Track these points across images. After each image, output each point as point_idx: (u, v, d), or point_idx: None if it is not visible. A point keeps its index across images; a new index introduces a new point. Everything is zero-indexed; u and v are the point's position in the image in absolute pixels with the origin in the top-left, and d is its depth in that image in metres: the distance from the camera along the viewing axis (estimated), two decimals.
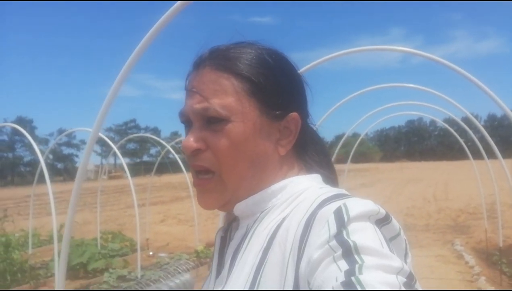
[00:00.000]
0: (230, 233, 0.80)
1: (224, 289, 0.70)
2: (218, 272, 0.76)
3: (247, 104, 0.72)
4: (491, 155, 6.19)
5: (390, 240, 0.60)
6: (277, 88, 0.74)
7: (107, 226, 11.98)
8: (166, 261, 7.57)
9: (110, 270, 7.09)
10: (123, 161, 7.58)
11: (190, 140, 0.73)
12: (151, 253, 8.74)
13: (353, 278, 0.50)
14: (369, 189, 23.56)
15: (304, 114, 0.79)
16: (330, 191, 0.70)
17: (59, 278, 2.53)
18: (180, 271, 6.71)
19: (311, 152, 0.82)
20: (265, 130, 0.74)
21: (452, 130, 8.14)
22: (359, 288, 0.48)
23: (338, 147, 8.87)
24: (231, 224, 0.81)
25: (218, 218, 5.04)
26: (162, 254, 8.49)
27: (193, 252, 7.95)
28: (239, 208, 0.75)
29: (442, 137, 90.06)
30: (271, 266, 0.64)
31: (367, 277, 0.49)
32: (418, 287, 0.52)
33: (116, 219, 14.52)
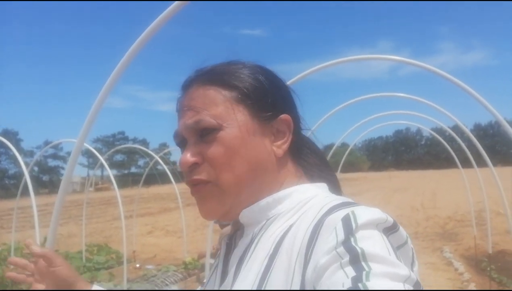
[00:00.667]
0: (235, 240, 0.79)
1: None
2: (223, 279, 0.76)
3: (237, 111, 0.73)
4: (478, 163, 6.24)
5: (398, 248, 0.60)
6: (265, 93, 0.76)
7: (93, 239, 11.76)
8: (154, 273, 7.42)
9: (96, 283, 6.93)
10: (110, 172, 7.47)
11: (186, 156, 0.74)
12: (137, 265, 8.57)
13: (360, 284, 0.50)
14: (358, 198, 23.49)
15: (296, 117, 0.80)
16: (337, 199, 0.70)
17: None
18: (167, 283, 6.58)
19: (308, 155, 0.83)
20: (258, 133, 0.74)
21: (440, 138, 8.22)
22: None
23: (328, 157, 8.92)
24: (235, 231, 0.80)
25: (207, 229, 4.97)
26: (149, 266, 8.33)
27: (181, 264, 7.82)
28: (245, 215, 0.74)
29: (429, 146, 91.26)
30: (277, 273, 0.64)
31: (374, 284, 0.49)
32: None
33: (102, 231, 14.27)
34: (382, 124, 8.66)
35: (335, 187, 0.83)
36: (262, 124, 0.75)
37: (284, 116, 0.76)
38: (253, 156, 0.73)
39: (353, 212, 0.60)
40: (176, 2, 1.89)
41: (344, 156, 9.65)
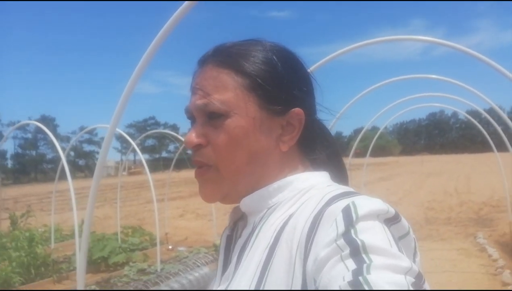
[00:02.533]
0: (237, 231, 0.80)
1: (230, 286, 0.69)
2: (224, 269, 0.76)
3: (247, 100, 0.72)
4: None
5: (399, 239, 0.59)
6: (279, 84, 0.73)
7: (127, 221, 12.16)
8: (185, 255, 7.63)
9: (130, 264, 7.20)
10: (142, 157, 7.66)
11: (192, 136, 0.74)
12: (170, 247, 8.84)
13: (360, 277, 0.49)
14: (388, 183, 23.29)
15: (310, 110, 0.77)
16: (338, 188, 0.69)
17: (79, 271, 2.57)
18: (199, 264, 6.76)
19: (319, 149, 0.80)
20: (265, 125, 0.73)
21: (475, 122, 7.94)
22: (366, 288, 0.47)
23: (357, 140, 8.78)
24: (237, 223, 0.81)
25: None
26: (181, 248, 8.57)
27: (211, 246, 8.01)
28: (245, 203, 0.74)
29: (463, 129, 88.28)
30: (278, 264, 0.63)
31: (375, 277, 0.48)
32: (426, 287, 0.52)
33: (136, 214, 14.73)
34: (414, 106, 8.42)
35: (342, 177, 0.82)
36: (271, 116, 0.73)
37: (296, 110, 0.74)
38: (255, 148, 0.72)
39: (353, 203, 0.59)
40: (186, 2, 1.92)
41: (374, 140, 9.49)
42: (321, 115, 0.83)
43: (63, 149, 6.97)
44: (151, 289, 5.71)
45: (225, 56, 0.75)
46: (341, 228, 0.57)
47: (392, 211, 0.59)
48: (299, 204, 0.70)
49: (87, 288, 5.85)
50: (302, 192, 0.72)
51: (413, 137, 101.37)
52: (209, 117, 0.73)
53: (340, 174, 0.82)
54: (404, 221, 0.61)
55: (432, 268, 6.56)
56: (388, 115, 8.66)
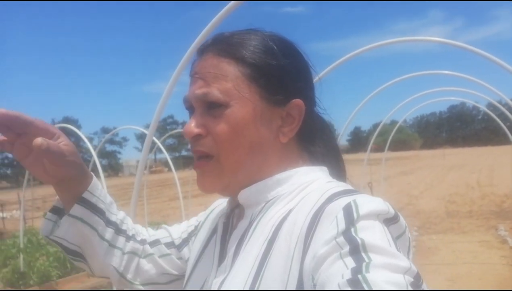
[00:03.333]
0: (233, 220, 0.79)
1: (228, 278, 0.69)
2: (221, 260, 0.75)
3: (247, 90, 0.71)
4: None
5: (397, 238, 0.59)
6: (279, 74, 0.72)
7: (152, 218, 12.50)
8: None
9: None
10: (167, 155, 7.94)
11: (191, 126, 0.73)
12: None
13: (359, 276, 0.48)
14: (409, 177, 23.13)
15: (310, 102, 0.76)
16: (338, 185, 0.69)
17: None
18: None
19: (318, 142, 0.80)
20: (265, 116, 0.72)
21: (494, 116, 7.90)
22: (365, 287, 0.47)
23: (375, 135, 8.82)
24: (233, 210, 0.80)
25: None
26: None
27: None
28: (243, 195, 0.73)
29: (486, 121, 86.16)
30: (276, 258, 0.63)
31: (374, 276, 0.48)
32: (424, 287, 0.52)
33: (160, 211, 15.10)
34: (432, 100, 8.36)
35: (340, 172, 0.82)
36: (271, 107, 0.72)
37: (296, 101, 0.72)
38: (254, 138, 0.71)
39: (355, 201, 0.59)
40: (231, 2, 2.08)
41: (392, 133, 9.49)
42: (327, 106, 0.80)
43: (88, 149, 7.30)
44: None
45: (225, 45, 0.73)
46: (342, 226, 0.56)
47: (392, 211, 0.60)
48: (298, 198, 0.69)
49: None
50: (301, 187, 0.71)
51: (434, 130, 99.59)
52: (208, 107, 0.72)
53: (338, 169, 0.82)
54: (402, 221, 0.61)
55: (452, 260, 6.65)
56: (406, 108, 8.65)
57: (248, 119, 0.70)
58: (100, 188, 0.83)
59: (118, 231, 0.87)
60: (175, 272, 0.93)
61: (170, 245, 0.94)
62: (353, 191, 0.65)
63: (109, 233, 0.84)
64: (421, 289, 0.51)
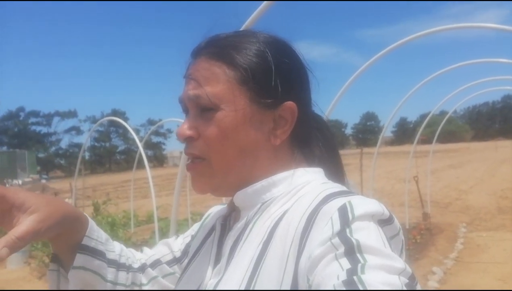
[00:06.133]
0: (229, 222, 0.80)
1: (223, 279, 0.70)
2: (216, 262, 0.76)
3: (238, 93, 0.71)
4: None
5: (390, 238, 0.60)
6: (270, 77, 0.72)
7: (195, 208, 12.78)
8: None
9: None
10: None
11: (183, 128, 0.74)
12: None
13: (355, 277, 0.49)
14: (457, 170, 22.18)
15: (304, 103, 0.76)
16: (333, 186, 0.69)
17: None
18: None
19: (314, 144, 0.80)
20: (256, 119, 0.72)
21: None
22: (361, 288, 0.47)
23: (422, 126, 8.49)
24: (231, 213, 0.81)
25: None
26: None
27: None
28: (239, 197, 0.74)
29: None
30: (271, 259, 0.63)
31: (369, 277, 0.49)
32: (419, 288, 0.52)
33: (203, 202, 15.40)
34: (485, 90, 7.91)
35: (339, 174, 0.82)
36: (262, 110, 0.72)
37: (288, 104, 0.72)
38: (245, 142, 0.72)
39: (350, 203, 0.59)
40: (265, 2, 2.06)
41: (441, 125, 9.10)
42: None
43: (136, 141, 7.54)
44: None
45: (217, 48, 0.74)
46: (337, 226, 0.57)
47: (387, 213, 0.60)
48: (293, 200, 0.70)
49: None
50: (297, 188, 0.72)
51: (486, 121, 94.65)
52: (201, 109, 0.73)
53: (336, 170, 0.82)
54: (396, 223, 0.62)
55: (503, 259, 6.32)
56: (457, 99, 8.25)
57: (238, 123, 0.71)
58: (96, 228, 0.81)
59: (118, 267, 0.86)
60: None
61: (172, 262, 0.94)
62: (347, 192, 0.66)
63: (111, 273, 0.83)
64: (415, 290, 0.51)
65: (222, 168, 0.73)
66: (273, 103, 0.73)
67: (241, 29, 2.15)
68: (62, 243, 0.77)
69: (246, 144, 0.72)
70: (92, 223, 0.80)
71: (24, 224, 0.64)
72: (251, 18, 2.08)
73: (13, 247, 0.60)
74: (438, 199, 12.06)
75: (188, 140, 0.74)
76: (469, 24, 3.83)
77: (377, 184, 10.36)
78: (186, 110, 0.77)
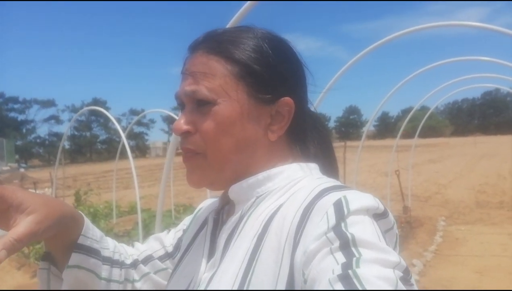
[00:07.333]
0: (223, 215, 0.80)
1: (217, 273, 0.70)
2: (210, 256, 0.75)
3: (235, 88, 0.71)
4: None
5: (385, 232, 0.61)
6: (268, 72, 0.72)
7: (178, 199, 12.73)
8: None
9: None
10: None
11: (180, 123, 0.74)
12: None
13: (350, 271, 0.49)
14: (437, 165, 22.62)
15: (300, 99, 0.77)
16: (328, 181, 0.70)
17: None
18: None
19: (310, 140, 0.81)
20: (253, 114, 0.72)
21: None
22: (355, 282, 0.48)
23: (405, 121, 8.64)
24: (224, 207, 0.81)
25: None
26: None
27: None
28: (234, 191, 0.74)
29: None
30: (267, 253, 0.64)
31: (364, 271, 0.49)
32: (413, 281, 0.53)
33: (186, 193, 15.36)
34: (466, 87, 8.13)
35: (333, 170, 0.83)
36: (259, 105, 0.72)
37: (286, 99, 0.73)
38: (242, 136, 0.72)
39: (345, 197, 0.60)
40: (248, 2, 2.03)
41: (423, 120, 9.27)
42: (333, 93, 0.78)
43: (118, 130, 7.44)
44: None
45: (215, 43, 0.74)
46: (332, 221, 0.57)
47: (382, 207, 0.61)
48: (288, 194, 0.70)
49: None
50: (292, 183, 0.72)
51: (466, 117, 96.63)
52: (197, 104, 0.73)
53: (330, 166, 0.82)
54: (391, 217, 0.62)
55: (481, 252, 6.50)
56: (439, 95, 8.43)
57: (235, 117, 0.71)
58: (92, 227, 0.81)
59: (112, 264, 0.86)
60: None
61: (164, 257, 0.93)
62: (343, 187, 0.66)
63: (105, 270, 0.83)
64: (410, 283, 0.52)
65: (218, 162, 0.72)
66: (271, 98, 0.73)
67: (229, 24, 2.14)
68: (58, 242, 0.76)
69: (243, 139, 0.72)
70: (87, 222, 0.80)
71: (22, 226, 0.62)
72: (234, 19, 2.07)
73: (11, 249, 0.59)
74: (418, 193, 12.28)
75: (184, 135, 0.74)
76: (453, 22, 3.88)
77: (359, 177, 10.49)
78: (182, 106, 0.76)
